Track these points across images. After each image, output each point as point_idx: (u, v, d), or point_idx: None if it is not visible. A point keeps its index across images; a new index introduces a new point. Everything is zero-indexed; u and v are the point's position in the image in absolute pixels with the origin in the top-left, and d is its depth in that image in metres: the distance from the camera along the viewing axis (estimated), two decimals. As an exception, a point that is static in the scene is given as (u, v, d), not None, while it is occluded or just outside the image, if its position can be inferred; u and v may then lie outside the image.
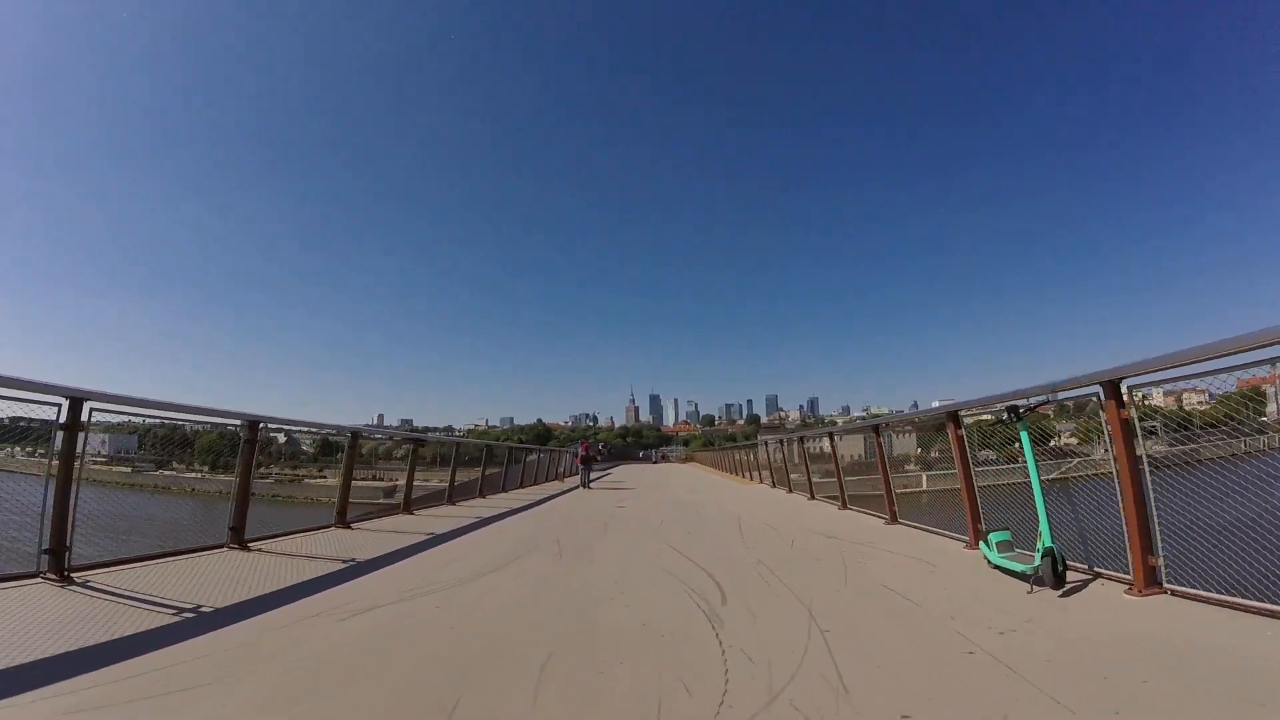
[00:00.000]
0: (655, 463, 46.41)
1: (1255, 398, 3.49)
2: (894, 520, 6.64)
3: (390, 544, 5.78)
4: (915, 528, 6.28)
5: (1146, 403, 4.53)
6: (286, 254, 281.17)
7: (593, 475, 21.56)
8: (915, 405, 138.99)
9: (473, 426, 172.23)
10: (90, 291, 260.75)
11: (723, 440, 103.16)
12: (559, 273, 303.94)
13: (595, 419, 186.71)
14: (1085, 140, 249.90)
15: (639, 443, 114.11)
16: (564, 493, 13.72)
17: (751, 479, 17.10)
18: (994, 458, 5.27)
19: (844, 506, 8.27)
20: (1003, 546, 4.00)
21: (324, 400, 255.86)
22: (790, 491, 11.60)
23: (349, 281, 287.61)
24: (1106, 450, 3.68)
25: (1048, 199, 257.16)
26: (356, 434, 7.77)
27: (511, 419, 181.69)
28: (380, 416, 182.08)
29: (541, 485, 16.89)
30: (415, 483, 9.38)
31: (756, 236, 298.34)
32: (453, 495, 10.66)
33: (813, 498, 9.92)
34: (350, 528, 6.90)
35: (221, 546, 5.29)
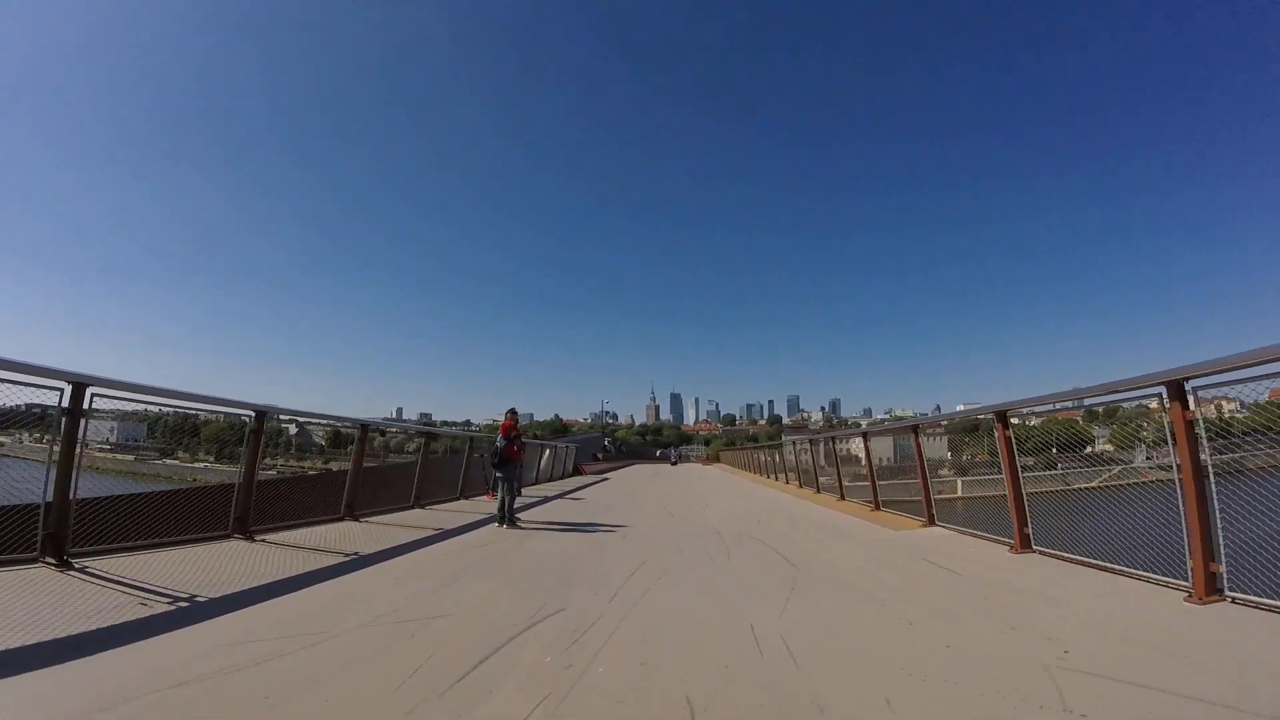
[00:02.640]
0: (674, 464, 38.50)
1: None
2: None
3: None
4: None
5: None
6: (311, 250, 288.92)
7: (587, 482, 13.75)
8: (938, 409, 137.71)
9: (490, 421, 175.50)
10: (104, 283, 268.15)
11: (744, 440, 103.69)
12: (583, 273, 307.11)
13: (615, 416, 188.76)
14: (1109, 150, 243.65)
15: (658, 441, 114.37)
16: (437, 538, 6.15)
17: (825, 494, 11.39)
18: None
19: (1023, 548, 5.01)
20: None
21: (340, 393, 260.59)
22: (924, 522, 6.94)
23: (370, 278, 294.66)
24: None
25: (1075, 208, 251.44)
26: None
27: (531, 415, 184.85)
28: (399, 410, 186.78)
29: (445, 507, 9.10)
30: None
31: (781, 240, 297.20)
32: (354, 507, 7.11)
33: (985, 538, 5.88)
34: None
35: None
